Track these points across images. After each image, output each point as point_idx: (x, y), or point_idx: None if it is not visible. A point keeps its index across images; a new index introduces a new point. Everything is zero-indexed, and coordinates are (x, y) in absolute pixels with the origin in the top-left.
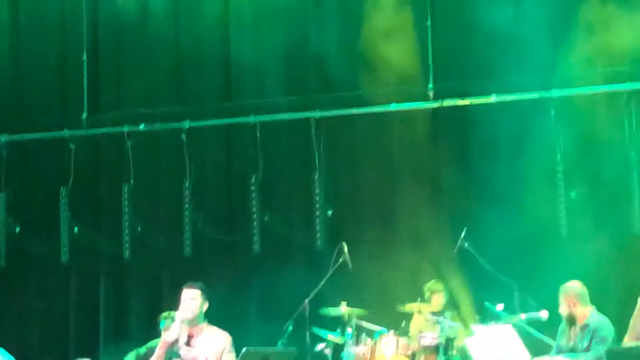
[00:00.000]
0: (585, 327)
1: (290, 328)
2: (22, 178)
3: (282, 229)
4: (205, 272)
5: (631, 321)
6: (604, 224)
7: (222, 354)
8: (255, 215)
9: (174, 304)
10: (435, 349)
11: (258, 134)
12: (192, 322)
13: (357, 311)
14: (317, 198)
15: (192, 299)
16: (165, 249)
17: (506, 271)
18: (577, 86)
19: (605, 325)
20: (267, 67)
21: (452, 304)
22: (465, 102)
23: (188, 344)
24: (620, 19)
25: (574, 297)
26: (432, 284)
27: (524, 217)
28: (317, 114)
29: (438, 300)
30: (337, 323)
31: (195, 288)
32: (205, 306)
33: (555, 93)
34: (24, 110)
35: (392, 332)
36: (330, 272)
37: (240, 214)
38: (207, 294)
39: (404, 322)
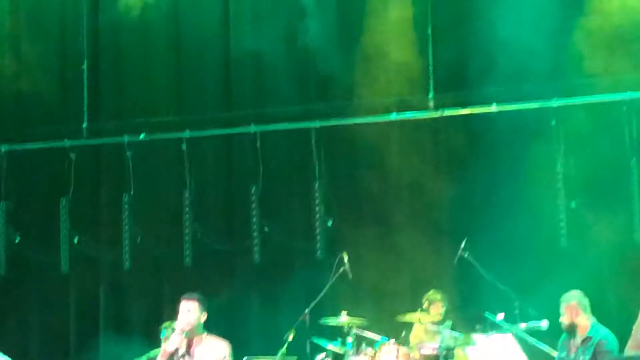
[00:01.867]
0: (587, 339)
1: (291, 338)
2: (22, 187)
3: (282, 239)
4: (205, 282)
5: (633, 330)
6: (604, 234)
7: None
8: (255, 225)
9: (174, 314)
10: (436, 358)
11: (258, 144)
12: (191, 333)
13: (357, 321)
14: (317, 208)
15: (189, 311)
16: (165, 259)
17: (506, 281)
18: (577, 95)
19: (608, 338)
20: (268, 77)
21: (452, 314)
22: (466, 111)
23: (187, 354)
24: (621, 28)
25: (575, 307)
26: (430, 294)
27: (524, 226)
28: (317, 123)
29: (437, 310)
30: (338, 333)
31: (192, 300)
32: (204, 317)
33: (555, 102)
34: (24, 119)
35: (392, 341)
36: (330, 282)
37: (241, 223)
38: (206, 305)
39: (404, 331)
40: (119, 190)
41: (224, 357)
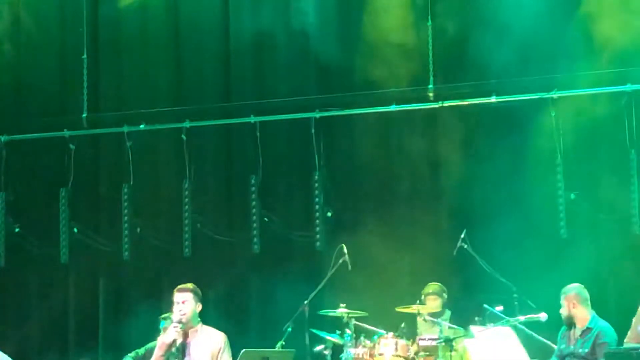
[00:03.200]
0: (586, 331)
1: (290, 329)
2: (22, 178)
3: (282, 229)
4: (204, 272)
5: (633, 322)
6: (604, 225)
7: (218, 354)
8: (254, 216)
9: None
10: (434, 350)
11: (258, 134)
12: (186, 325)
13: (356, 313)
14: (317, 199)
15: (184, 302)
16: (165, 249)
17: (506, 273)
18: (577, 87)
19: (607, 330)
20: (267, 68)
21: (451, 306)
22: (466, 103)
23: (184, 350)
24: (620, 20)
25: (574, 298)
26: (429, 286)
27: (524, 218)
28: (317, 114)
29: (435, 302)
30: (336, 324)
31: (186, 291)
32: (199, 307)
33: (555, 94)
34: (24, 110)
35: (391, 333)
36: (329, 274)
37: (240, 214)
38: (200, 295)
39: (403, 323)
40: (118, 180)
41: (220, 348)
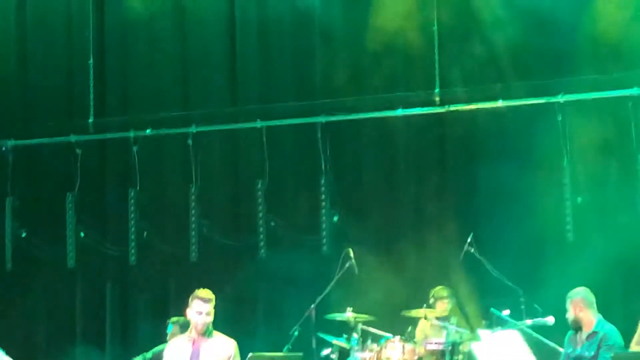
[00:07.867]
0: (592, 334)
1: (297, 333)
2: (29, 183)
3: (288, 233)
4: (211, 277)
5: (638, 326)
6: (611, 229)
7: None
8: (261, 221)
9: (180, 309)
10: (441, 354)
11: (264, 139)
12: (204, 333)
13: (363, 317)
14: (323, 203)
15: (207, 314)
16: (171, 254)
17: (512, 277)
18: (583, 91)
19: (613, 333)
20: (273, 72)
21: (458, 310)
22: (472, 107)
23: (195, 355)
24: (627, 23)
25: (580, 303)
26: (437, 290)
27: (531, 222)
28: (323, 118)
29: (443, 305)
30: (343, 328)
31: (211, 302)
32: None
33: (562, 98)
34: (31, 114)
35: (397, 337)
36: (336, 278)
37: (246, 219)
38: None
39: (410, 327)
40: (125, 185)
41: (231, 355)
